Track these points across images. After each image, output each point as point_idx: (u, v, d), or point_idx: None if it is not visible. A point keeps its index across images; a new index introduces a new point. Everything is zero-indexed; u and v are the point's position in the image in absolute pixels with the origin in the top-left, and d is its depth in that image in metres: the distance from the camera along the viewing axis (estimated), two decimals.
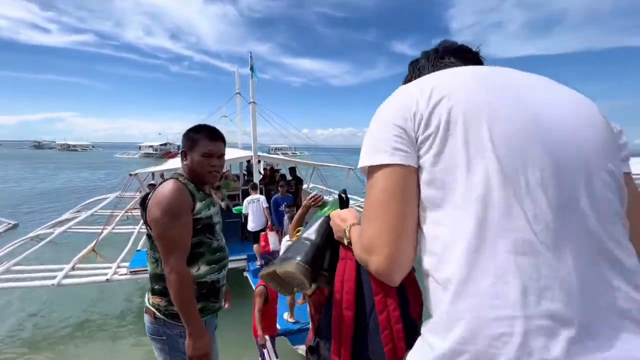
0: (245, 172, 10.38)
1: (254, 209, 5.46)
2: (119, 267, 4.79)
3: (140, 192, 6.91)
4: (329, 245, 0.93)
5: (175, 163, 6.98)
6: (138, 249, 5.60)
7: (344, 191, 0.97)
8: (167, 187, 1.30)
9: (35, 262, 5.64)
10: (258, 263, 5.18)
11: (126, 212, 7.74)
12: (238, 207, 5.97)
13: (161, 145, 54.14)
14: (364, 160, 0.60)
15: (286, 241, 3.60)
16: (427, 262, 0.56)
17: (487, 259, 0.48)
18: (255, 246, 5.21)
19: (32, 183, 19.69)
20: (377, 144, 0.58)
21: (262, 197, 5.56)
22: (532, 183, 0.49)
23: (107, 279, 4.51)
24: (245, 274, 5.22)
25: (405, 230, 0.56)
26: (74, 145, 79.14)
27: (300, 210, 1.38)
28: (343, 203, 0.96)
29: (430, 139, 0.54)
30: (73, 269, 4.78)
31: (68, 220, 8.35)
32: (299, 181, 7.85)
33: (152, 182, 6.94)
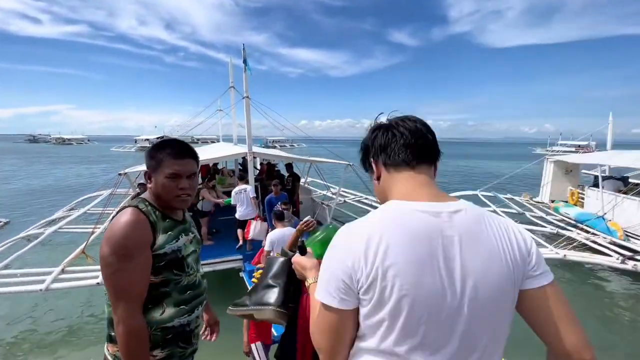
0: (241, 168, 10.21)
1: (241, 199, 5.73)
2: None
3: (132, 190, 6.73)
4: (292, 283, 1.12)
5: None
6: None
7: (302, 242, 1.07)
8: (121, 220, 1.11)
9: (25, 263, 5.50)
10: (248, 247, 5.43)
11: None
12: (227, 200, 6.16)
13: (157, 138, 53.59)
14: (319, 294, 0.75)
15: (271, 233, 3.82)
16: None
17: None
18: (239, 231, 5.72)
19: (26, 179, 19.44)
20: (328, 287, 0.73)
21: (249, 187, 5.78)
22: None
23: (97, 282, 4.36)
24: (241, 274, 5.12)
25: (339, 350, 0.76)
26: (69, 139, 78.44)
27: (294, 233, 1.59)
28: (303, 250, 1.04)
29: (366, 301, 0.70)
30: (62, 272, 4.64)
31: (60, 218, 8.20)
32: (296, 178, 7.68)
33: (142, 181, 6.76)
